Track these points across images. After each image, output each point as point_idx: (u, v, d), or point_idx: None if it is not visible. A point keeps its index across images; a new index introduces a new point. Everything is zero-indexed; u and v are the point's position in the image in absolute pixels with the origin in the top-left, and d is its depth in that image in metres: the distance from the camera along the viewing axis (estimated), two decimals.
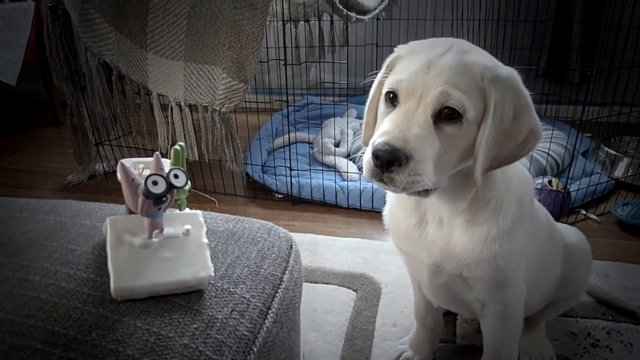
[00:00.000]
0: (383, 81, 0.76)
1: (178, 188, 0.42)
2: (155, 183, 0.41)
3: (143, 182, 0.42)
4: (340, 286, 1.37)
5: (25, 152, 2.51)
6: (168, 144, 1.84)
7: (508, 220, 0.79)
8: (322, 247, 1.56)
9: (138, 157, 2.14)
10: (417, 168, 0.65)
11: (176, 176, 0.42)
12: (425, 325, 1.07)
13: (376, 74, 0.81)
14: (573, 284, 1.06)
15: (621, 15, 1.63)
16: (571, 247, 1.04)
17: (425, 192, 0.70)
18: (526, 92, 0.73)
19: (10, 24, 2.27)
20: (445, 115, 0.68)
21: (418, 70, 0.68)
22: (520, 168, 0.86)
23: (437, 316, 1.07)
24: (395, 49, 0.78)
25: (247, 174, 2.00)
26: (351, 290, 1.36)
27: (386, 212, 0.92)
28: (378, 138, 0.67)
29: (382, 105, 0.75)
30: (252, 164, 2.00)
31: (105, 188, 2.07)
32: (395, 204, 0.89)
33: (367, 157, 0.68)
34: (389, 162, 0.65)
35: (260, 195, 1.95)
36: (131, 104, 1.89)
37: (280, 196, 1.92)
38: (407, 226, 0.85)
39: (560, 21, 2.54)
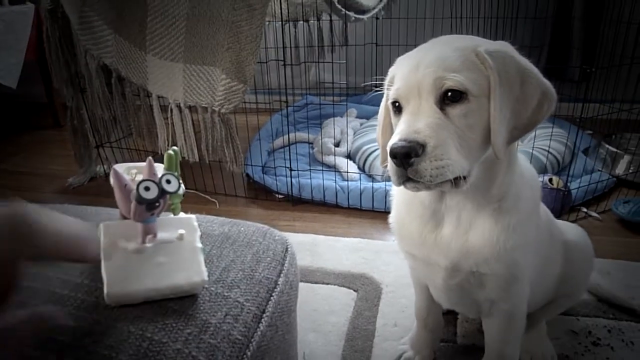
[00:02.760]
0: (388, 105, 0.77)
1: (170, 193, 0.42)
2: (147, 189, 0.41)
3: (135, 187, 0.42)
4: (341, 286, 1.38)
5: (26, 154, 2.52)
6: (168, 145, 1.84)
7: (527, 207, 0.80)
8: (322, 248, 1.57)
9: (139, 158, 2.15)
10: (436, 153, 0.66)
11: (168, 181, 0.42)
12: (426, 326, 1.07)
13: (376, 85, 0.83)
14: (573, 281, 1.05)
15: (621, 11, 1.62)
16: (571, 244, 1.03)
17: (457, 182, 0.70)
18: (525, 59, 0.73)
19: (10, 27, 2.28)
20: (450, 99, 0.68)
21: (409, 71, 0.70)
22: (524, 160, 0.87)
23: (438, 317, 1.07)
24: (389, 71, 0.80)
25: (247, 174, 2.00)
26: (352, 291, 1.36)
27: (392, 219, 0.91)
28: (391, 141, 0.68)
29: (393, 119, 0.77)
30: (252, 165, 2.00)
31: (106, 190, 2.05)
32: (404, 211, 0.87)
33: (389, 164, 0.70)
34: (407, 155, 0.65)
35: (260, 196, 1.95)
36: (131, 106, 1.89)
37: (280, 197, 1.92)
38: (420, 232, 0.84)
39: (560, 18, 2.53)
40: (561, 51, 2.56)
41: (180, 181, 0.44)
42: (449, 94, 0.68)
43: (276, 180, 1.93)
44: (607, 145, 1.98)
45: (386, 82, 0.79)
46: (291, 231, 1.69)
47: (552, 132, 1.89)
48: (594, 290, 1.28)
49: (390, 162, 0.69)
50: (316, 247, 1.57)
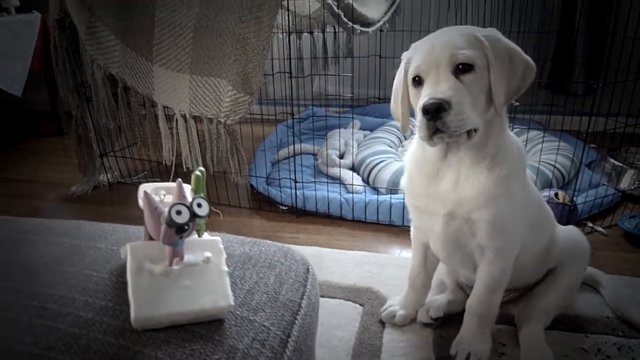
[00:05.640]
0: (405, 80, 0.97)
1: (201, 217, 0.42)
2: (179, 213, 0.40)
3: (166, 210, 0.41)
4: (347, 300, 1.36)
5: (30, 162, 2.51)
6: (173, 155, 1.84)
7: (514, 162, 1.00)
8: (327, 261, 1.56)
9: (142, 168, 2.14)
10: (459, 109, 0.86)
11: (199, 205, 0.42)
12: (414, 285, 1.25)
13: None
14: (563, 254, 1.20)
15: (626, 26, 1.63)
16: (561, 234, 1.21)
17: (470, 134, 0.91)
18: (510, 41, 0.95)
19: (16, 36, 2.28)
20: (462, 70, 0.88)
21: (427, 52, 0.90)
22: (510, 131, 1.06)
23: (427, 281, 1.25)
24: (402, 55, 1.01)
25: (251, 185, 1.99)
26: (357, 305, 1.35)
27: (403, 180, 1.14)
28: (422, 101, 0.86)
29: (412, 91, 0.96)
30: (256, 176, 1.99)
31: (109, 199, 2.06)
32: (414, 170, 1.07)
33: (419, 119, 0.88)
34: (437, 110, 0.85)
35: (264, 207, 1.94)
36: (136, 115, 1.89)
37: (284, 208, 1.91)
38: (425, 186, 1.04)
39: (564, 32, 2.54)
40: (565, 65, 2.57)
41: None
42: (460, 66, 0.88)
43: (280, 191, 1.93)
44: (612, 160, 1.98)
45: (403, 63, 0.98)
46: (295, 243, 1.68)
47: (558, 146, 1.89)
48: (610, 301, 1.29)
49: (421, 119, 0.88)
50: (321, 259, 1.56)
